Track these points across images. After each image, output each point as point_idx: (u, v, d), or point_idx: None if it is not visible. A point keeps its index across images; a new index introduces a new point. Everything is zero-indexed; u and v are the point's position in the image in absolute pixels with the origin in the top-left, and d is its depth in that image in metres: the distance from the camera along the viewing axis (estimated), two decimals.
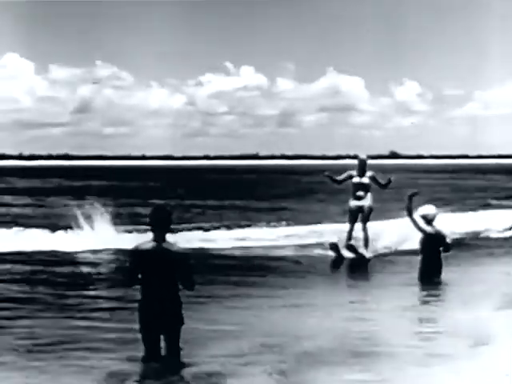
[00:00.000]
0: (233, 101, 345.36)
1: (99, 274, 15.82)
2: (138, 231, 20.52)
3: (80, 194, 21.82)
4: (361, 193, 17.71)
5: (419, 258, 14.33)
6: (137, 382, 8.17)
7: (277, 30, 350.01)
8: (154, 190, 49.84)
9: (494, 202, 35.75)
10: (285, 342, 9.50)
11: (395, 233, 18.87)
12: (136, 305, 8.48)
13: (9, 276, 15.39)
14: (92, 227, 20.77)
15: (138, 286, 8.41)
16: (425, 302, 12.85)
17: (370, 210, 17.73)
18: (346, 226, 17.95)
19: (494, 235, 22.40)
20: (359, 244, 17.68)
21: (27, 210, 32.37)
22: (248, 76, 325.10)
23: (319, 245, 18.91)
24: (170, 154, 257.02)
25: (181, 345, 8.51)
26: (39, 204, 33.98)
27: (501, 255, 18.46)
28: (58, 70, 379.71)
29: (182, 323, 8.41)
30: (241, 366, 8.50)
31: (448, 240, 14.20)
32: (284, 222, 25.16)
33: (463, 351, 8.92)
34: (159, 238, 8.29)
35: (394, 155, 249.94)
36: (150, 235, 8.39)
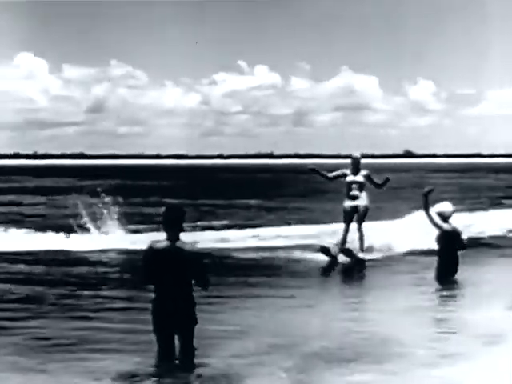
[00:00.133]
0: (247, 100, 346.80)
1: (109, 273, 15.75)
2: (151, 231, 20.46)
3: (92, 194, 21.67)
4: (355, 192, 17.14)
5: (436, 257, 14.30)
6: (151, 381, 8.14)
7: (291, 29, 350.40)
8: (167, 189, 49.79)
9: (506, 201, 35.44)
10: (296, 342, 9.46)
11: (395, 233, 18.72)
12: (146, 305, 8.43)
13: (20, 276, 15.37)
14: (104, 227, 20.74)
15: (151, 286, 8.39)
16: (442, 303, 12.81)
17: (366, 209, 17.12)
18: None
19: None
20: (355, 246, 17.07)
21: (39, 210, 32.44)
22: (262, 75, 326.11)
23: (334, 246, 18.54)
24: (184, 153, 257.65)
25: (195, 344, 8.48)
26: (51, 203, 34.10)
27: None
28: (71, 69, 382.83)
29: (196, 323, 8.38)
30: (252, 366, 8.46)
31: (463, 237, 14.28)
32: (296, 222, 24.95)
33: (478, 351, 8.90)
34: (172, 238, 8.27)
35: (408, 154, 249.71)
36: (162, 235, 8.36)
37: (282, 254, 18.02)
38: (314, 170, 17.38)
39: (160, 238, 8.40)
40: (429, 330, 10.61)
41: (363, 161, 17.46)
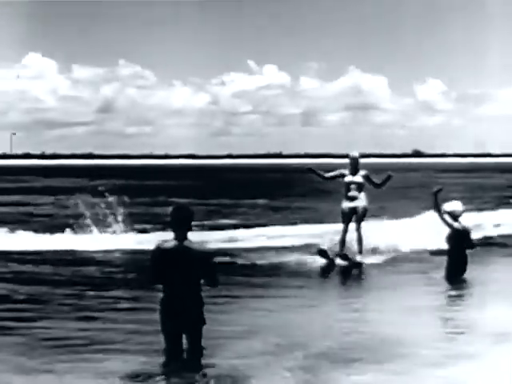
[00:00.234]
0: (256, 100, 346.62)
1: (115, 273, 15.73)
2: (158, 230, 20.44)
3: (99, 194, 21.68)
4: (354, 193, 16.72)
5: (446, 256, 14.38)
6: (159, 381, 8.12)
7: (300, 29, 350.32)
8: (175, 189, 49.80)
9: None
10: (301, 342, 9.43)
11: (402, 233, 18.57)
12: (151, 305, 8.39)
13: (25, 276, 15.36)
14: (110, 227, 20.73)
15: (159, 286, 8.40)
16: (450, 303, 12.84)
17: (365, 210, 16.68)
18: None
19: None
20: (354, 249, 16.67)
21: (46, 210, 32.47)
22: (271, 75, 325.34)
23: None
24: (193, 153, 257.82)
25: (203, 344, 8.46)
26: (59, 203, 34.05)
27: None
28: (80, 69, 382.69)
29: (204, 323, 8.38)
30: (260, 366, 8.45)
31: (472, 237, 14.48)
32: (300, 221, 24.88)
33: (485, 350, 8.90)
34: (180, 237, 8.26)
35: (417, 154, 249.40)
36: (169, 234, 8.36)
37: (287, 253, 17.92)
38: (310, 170, 17.12)
39: (167, 237, 8.39)
40: (436, 329, 10.61)
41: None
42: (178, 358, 8.40)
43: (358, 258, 16.53)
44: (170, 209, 8.51)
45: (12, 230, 21.43)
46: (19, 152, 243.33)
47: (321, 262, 16.70)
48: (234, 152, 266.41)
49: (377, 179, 17.01)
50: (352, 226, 16.73)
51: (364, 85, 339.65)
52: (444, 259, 14.39)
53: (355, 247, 16.73)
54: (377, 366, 8.41)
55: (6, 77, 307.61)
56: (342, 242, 16.72)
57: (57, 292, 13.41)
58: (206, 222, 24.25)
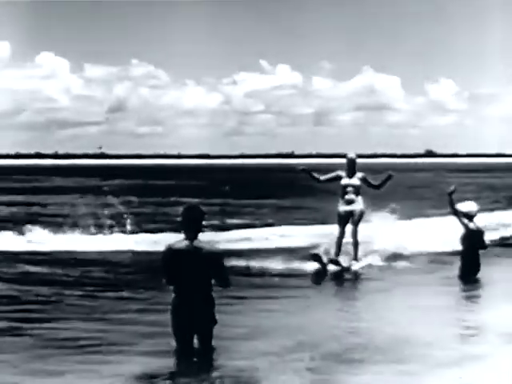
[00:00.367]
0: (268, 99, 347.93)
1: (124, 274, 15.65)
2: (168, 231, 20.38)
3: (111, 193, 21.72)
4: (351, 196, 16.10)
5: (460, 256, 14.49)
6: (170, 380, 8.09)
7: (312, 29, 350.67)
8: (186, 189, 49.87)
9: None
10: (312, 343, 9.39)
11: (409, 234, 18.40)
12: (162, 307, 8.34)
13: (34, 277, 15.31)
14: (121, 227, 20.72)
15: (170, 287, 8.41)
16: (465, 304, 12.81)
17: (362, 214, 16.12)
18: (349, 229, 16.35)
19: None
20: (348, 254, 16.22)
21: (57, 210, 32.42)
22: (284, 74, 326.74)
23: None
24: (205, 153, 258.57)
25: (213, 344, 8.49)
26: (70, 203, 34.06)
27: None
28: (93, 68, 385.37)
29: (215, 323, 8.40)
30: (271, 366, 8.42)
31: (484, 237, 14.56)
32: (311, 221, 24.78)
33: (498, 350, 8.93)
34: (191, 238, 8.27)
35: (430, 154, 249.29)
36: (180, 235, 8.39)
37: (293, 253, 17.77)
38: (304, 171, 16.46)
39: (178, 238, 8.40)
40: (449, 330, 10.47)
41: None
42: (188, 358, 8.41)
43: (353, 264, 16.08)
44: (181, 209, 8.52)
45: (21, 231, 21.37)
46: (32, 152, 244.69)
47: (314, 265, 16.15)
48: (247, 152, 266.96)
49: (375, 180, 16.45)
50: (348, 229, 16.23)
51: (377, 85, 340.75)
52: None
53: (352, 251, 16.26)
54: (386, 367, 8.37)
55: (19, 76, 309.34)
56: (338, 246, 16.21)
57: (66, 293, 13.34)
58: (215, 222, 24.18)
